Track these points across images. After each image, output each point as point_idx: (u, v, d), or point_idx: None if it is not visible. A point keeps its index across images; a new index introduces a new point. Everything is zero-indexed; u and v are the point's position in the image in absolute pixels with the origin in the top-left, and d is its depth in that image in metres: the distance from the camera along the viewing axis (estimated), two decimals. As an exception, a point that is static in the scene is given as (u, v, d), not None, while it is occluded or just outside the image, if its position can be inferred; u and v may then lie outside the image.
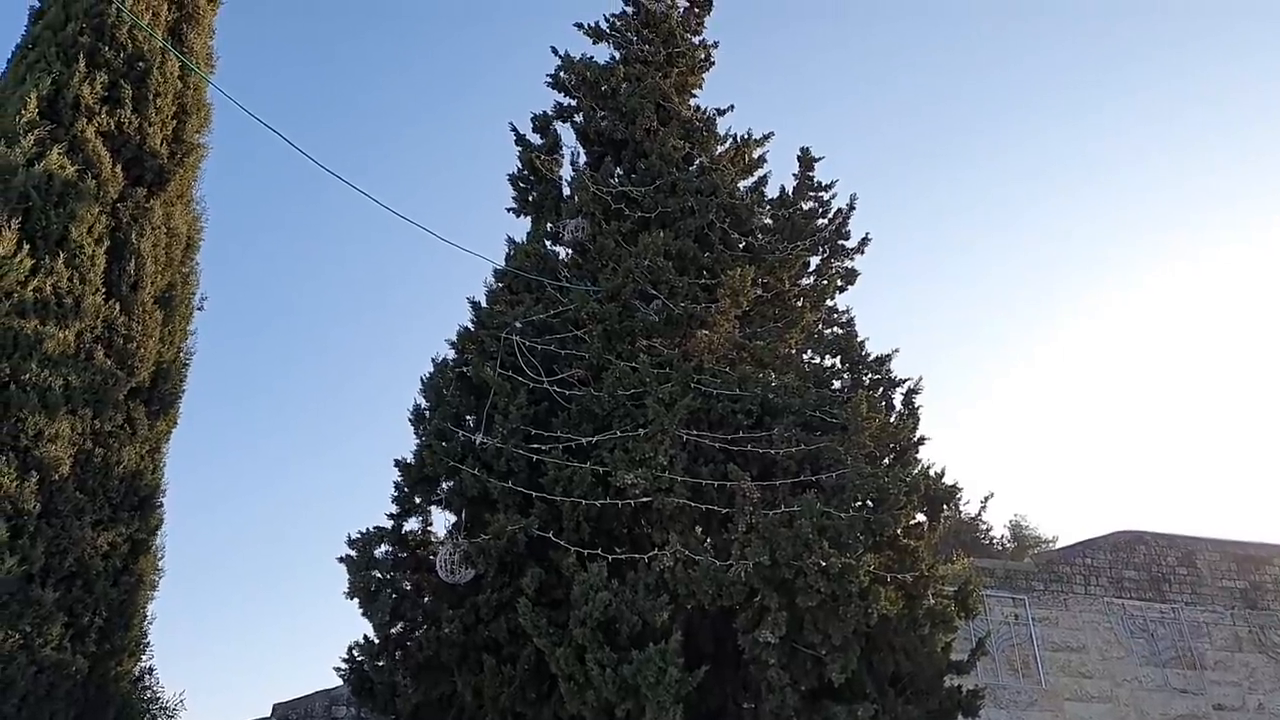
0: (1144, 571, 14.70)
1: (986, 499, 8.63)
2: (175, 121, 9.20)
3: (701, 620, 7.56)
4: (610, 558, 7.22)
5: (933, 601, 7.51)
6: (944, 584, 7.78)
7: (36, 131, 7.90)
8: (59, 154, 7.92)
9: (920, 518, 8.12)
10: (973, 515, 8.86)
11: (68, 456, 7.36)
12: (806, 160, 10.16)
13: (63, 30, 8.55)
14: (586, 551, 7.32)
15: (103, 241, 8.18)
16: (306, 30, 38.17)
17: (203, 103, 9.62)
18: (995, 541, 26.40)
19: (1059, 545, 21.41)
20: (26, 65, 8.46)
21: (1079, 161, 43.86)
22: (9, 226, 7.40)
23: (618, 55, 10.91)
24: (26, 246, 7.52)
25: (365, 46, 40.73)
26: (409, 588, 8.24)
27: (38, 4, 9.08)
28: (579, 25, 11.04)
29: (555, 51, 10.79)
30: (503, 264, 9.83)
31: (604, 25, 11.04)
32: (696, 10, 11.45)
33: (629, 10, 11.19)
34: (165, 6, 9.37)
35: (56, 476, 7.23)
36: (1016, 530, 27.31)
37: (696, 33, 11.36)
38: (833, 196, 10.01)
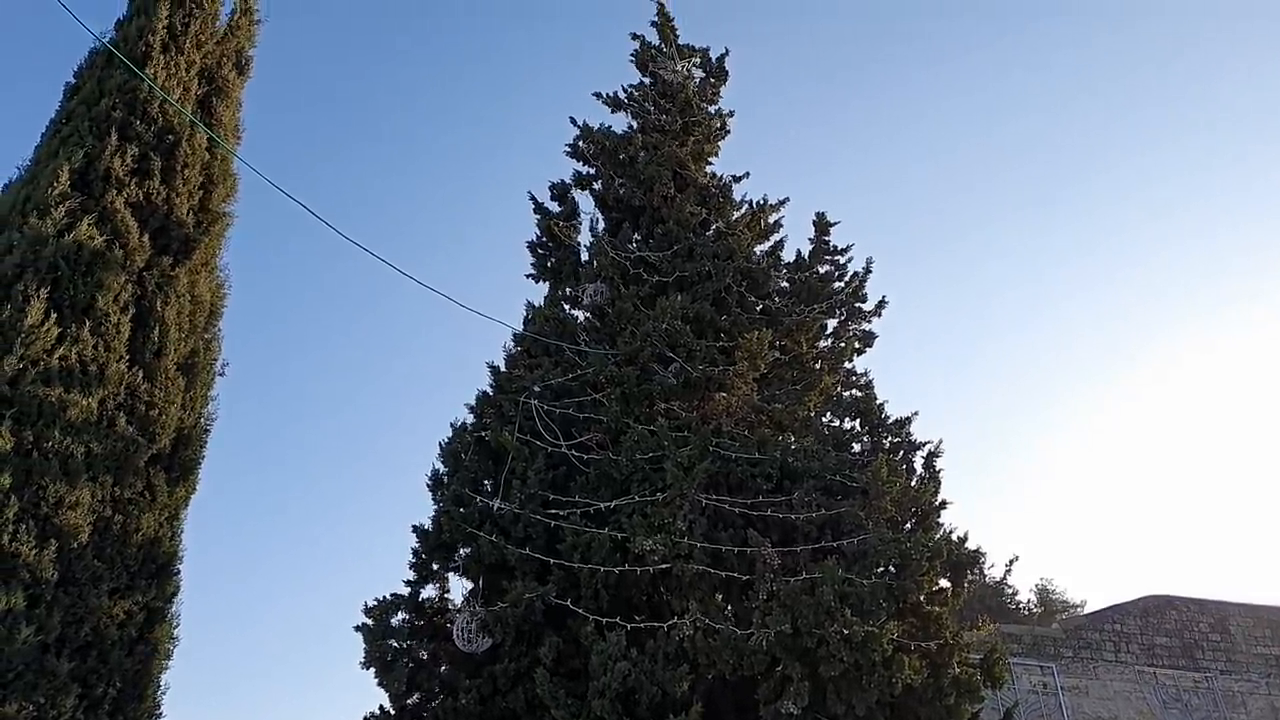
0: (1176, 638, 14.33)
1: (1011, 562, 8.56)
2: (202, 192, 9.38)
3: (722, 690, 7.42)
4: (629, 626, 7.12)
5: (958, 670, 7.33)
6: (969, 652, 7.61)
7: (68, 203, 8.07)
8: (88, 224, 8.08)
9: (944, 583, 7.99)
10: (998, 579, 8.74)
11: (87, 524, 7.36)
12: (822, 224, 10.26)
13: (96, 105, 8.78)
14: (605, 620, 7.22)
15: (128, 309, 8.29)
16: (330, 99, 39.11)
17: (229, 172, 9.82)
18: (1022, 606, 25.85)
19: (1087, 610, 20.96)
20: (60, 139, 8.67)
21: (1107, 218, 43.95)
22: (38, 296, 7.51)
23: (635, 124, 11.10)
24: (54, 315, 7.63)
25: (386, 118, 41.66)
26: (425, 657, 8.14)
27: (73, 80, 9.35)
28: (598, 95, 11.29)
29: (574, 121, 11.01)
30: (521, 329, 9.90)
31: (622, 95, 11.27)
32: (712, 80, 11.67)
33: (646, 81, 11.42)
34: (195, 81, 9.63)
35: (75, 544, 7.22)
36: (1043, 594, 26.76)
37: (712, 102, 11.56)
38: (849, 260, 10.11)
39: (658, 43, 11.61)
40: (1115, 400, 48.88)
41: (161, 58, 9.13)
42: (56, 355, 7.56)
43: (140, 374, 8.23)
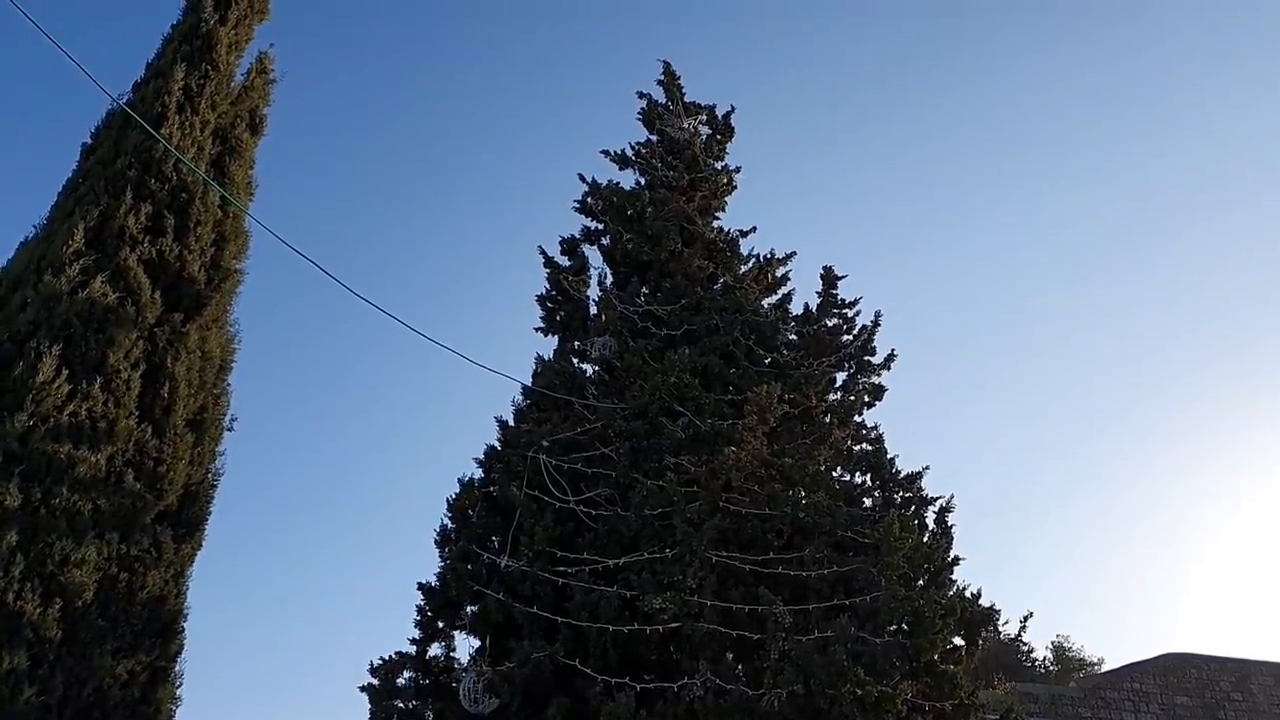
0: (1197, 697, 14.01)
1: (1026, 619, 8.34)
2: (214, 249, 9.49)
3: (733, 753, 7.25)
4: (638, 687, 6.99)
5: (974, 731, 7.17)
6: (985, 711, 7.45)
7: (82, 261, 8.17)
8: (101, 282, 8.17)
9: (958, 641, 7.87)
10: (1013, 636, 8.58)
11: (92, 582, 7.32)
12: (829, 278, 10.30)
13: (112, 165, 8.94)
14: (614, 680, 7.09)
15: (138, 366, 8.34)
16: (338, 150, 39.70)
17: (241, 229, 9.94)
18: (1038, 664, 25.43)
19: (1105, 668, 20.58)
20: (76, 198, 8.82)
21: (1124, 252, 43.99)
22: (50, 353, 7.56)
23: (642, 180, 11.21)
24: (65, 372, 7.67)
25: (394, 171, 42.24)
26: (431, 717, 8.00)
27: (89, 141, 9.52)
28: (605, 153, 11.41)
29: (582, 178, 11.11)
30: (530, 383, 9.89)
31: (629, 153, 11.40)
32: (719, 137, 11.81)
33: (653, 138, 11.56)
34: (209, 141, 9.79)
35: (80, 603, 7.18)
36: (1060, 652, 26.34)
37: (719, 158, 11.68)
38: (857, 313, 10.11)
39: (664, 101, 11.77)
40: (1130, 449, 48.52)
41: (177, 118, 9.30)
42: (67, 412, 7.59)
43: (149, 430, 8.26)
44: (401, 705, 7.83)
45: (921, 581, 7.85)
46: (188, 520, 8.54)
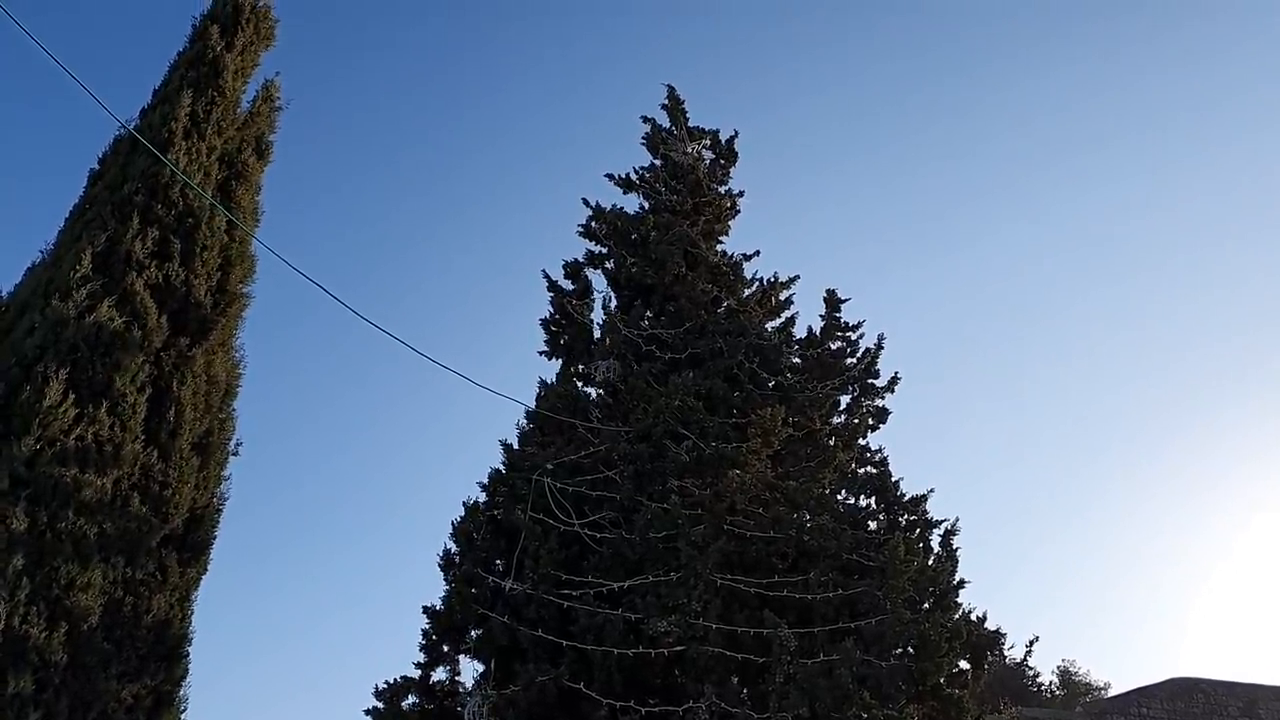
0: (1205, 723, 13.92)
1: (1032, 643, 8.31)
2: (220, 273, 9.52)
3: (739, 778, 7.22)
4: (643, 710, 6.99)
5: (981, 757, 7.15)
6: (992, 737, 7.44)
7: (89, 285, 8.21)
8: (108, 306, 8.21)
9: (963, 665, 7.85)
10: (1018, 660, 8.51)
11: (98, 606, 7.32)
12: (832, 301, 10.34)
13: (119, 190, 8.99)
14: (619, 704, 7.08)
15: (145, 389, 8.36)
16: (346, 177, 39.94)
17: (247, 254, 9.98)
18: (1044, 689, 25.27)
19: (1111, 693, 20.43)
20: (83, 223, 8.87)
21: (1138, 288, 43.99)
22: (57, 377, 7.60)
23: (646, 205, 11.29)
24: (72, 396, 7.70)
25: (399, 195, 42.50)
26: (435, 742, 7.98)
27: (96, 167, 9.59)
28: (610, 177, 11.51)
29: (587, 203, 11.20)
30: (534, 405, 9.92)
31: (633, 177, 11.48)
32: (722, 162, 11.89)
33: (657, 163, 11.64)
34: (216, 166, 9.86)
35: (85, 627, 7.17)
36: (1066, 676, 26.20)
37: (723, 183, 11.76)
38: (860, 336, 10.15)
39: (668, 125, 11.87)
40: (1141, 467, 48.40)
41: (183, 144, 9.36)
42: (73, 435, 7.61)
43: (155, 454, 8.27)
44: (406, 729, 7.81)
45: (927, 605, 7.85)
46: (193, 544, 8.53)
